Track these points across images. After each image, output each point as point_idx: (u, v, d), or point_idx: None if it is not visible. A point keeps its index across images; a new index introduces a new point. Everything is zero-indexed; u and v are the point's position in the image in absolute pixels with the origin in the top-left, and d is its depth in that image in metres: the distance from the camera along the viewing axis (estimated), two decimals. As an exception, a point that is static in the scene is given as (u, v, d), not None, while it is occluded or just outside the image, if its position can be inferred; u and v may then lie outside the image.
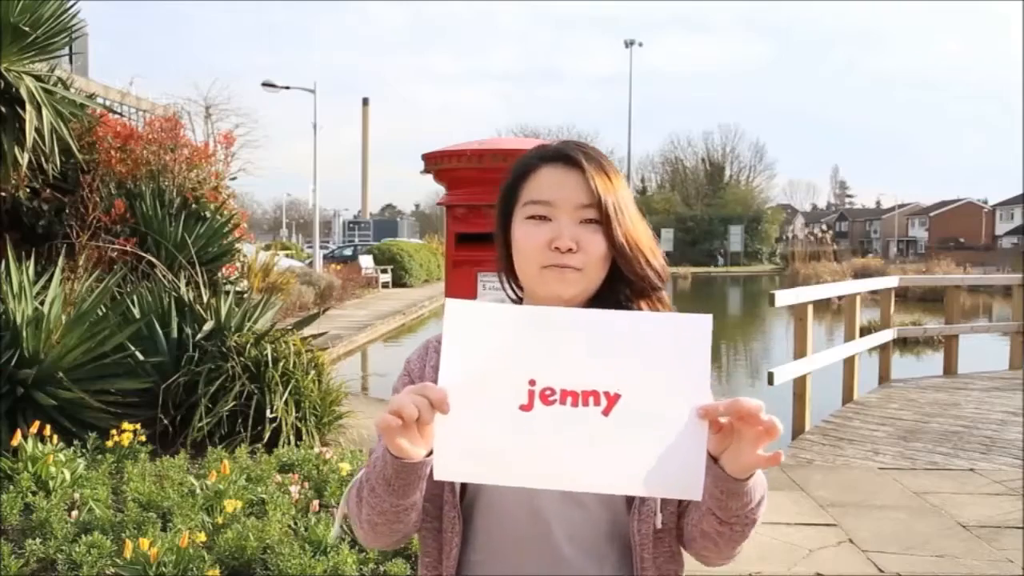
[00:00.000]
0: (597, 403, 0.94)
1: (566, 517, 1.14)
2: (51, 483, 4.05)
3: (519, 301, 1.26)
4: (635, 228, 1.18)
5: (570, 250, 1.14)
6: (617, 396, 0.94)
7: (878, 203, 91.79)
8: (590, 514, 1.15)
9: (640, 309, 1.18)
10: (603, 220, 1.14)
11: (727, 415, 0.94)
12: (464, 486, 1.17)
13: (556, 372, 0.95)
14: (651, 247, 1.20)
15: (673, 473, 0.94)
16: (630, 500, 1.14)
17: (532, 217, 1.17)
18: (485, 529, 1.17)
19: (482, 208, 3.29)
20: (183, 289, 5.89)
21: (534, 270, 1.17)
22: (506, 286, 1.28)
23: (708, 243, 53.87)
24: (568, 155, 1.18)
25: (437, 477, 0.97)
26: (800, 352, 7.47)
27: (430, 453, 0.98)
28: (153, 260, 6.31)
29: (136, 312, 5.62)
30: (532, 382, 0.95)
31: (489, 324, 0.97)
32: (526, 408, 0.95)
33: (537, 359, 0.96)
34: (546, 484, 0.97)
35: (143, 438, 4.74)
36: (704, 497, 0.99)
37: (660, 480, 0.94)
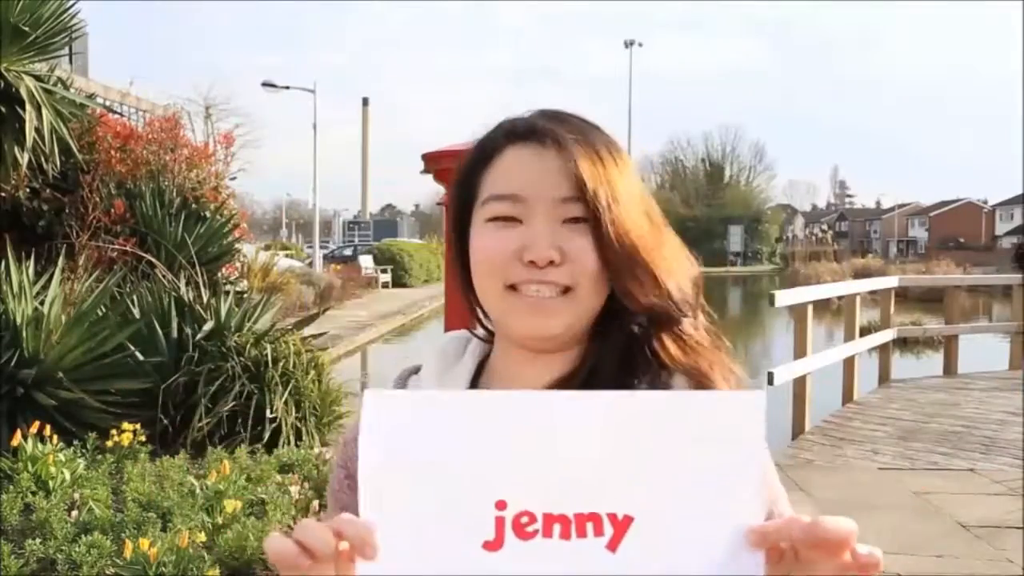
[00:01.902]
0: (599, 532, 0.64)
1: None
2: (51, 483, 4.05)
3: (491, 338, 0.91)
4: (638, 230, 0.81)
5: (551, 263, 0.79)
6: (628, 520, 0.64)
7: (878, 203, 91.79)
8: None
9: (665, 346, 0.83)
10: (591, 218, 0.79)
11: (791, 541, 0.62)
12: None
13: (535, 489, 0.64)
14: (668, 260, 0.83)
15: None
16: None
17: (495, 219, 0.82)
18: None
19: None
20: (183, 289, 5.89)
21: (497, 295, 0.82)
22: (477, 317, 0.91)
23: (708, 243, 54.04)
24: (540, 130, 0.82)
25: None
26: (800, 352, 7.46)
27: None
28: (153, 260, 6.31)
29: (136, 312, 5.62)
30: (501, 505, 0.64)
31: (429, 422, 0.65)
32: (492, 546, 0.64)
33: (506, 471, 0.64)
34: None
35: (143, 438, 4.73)
36: None
37: None
